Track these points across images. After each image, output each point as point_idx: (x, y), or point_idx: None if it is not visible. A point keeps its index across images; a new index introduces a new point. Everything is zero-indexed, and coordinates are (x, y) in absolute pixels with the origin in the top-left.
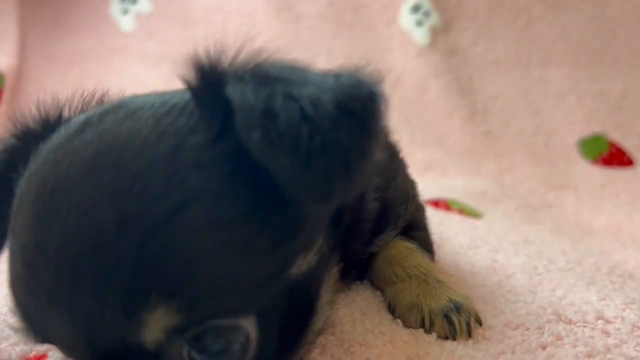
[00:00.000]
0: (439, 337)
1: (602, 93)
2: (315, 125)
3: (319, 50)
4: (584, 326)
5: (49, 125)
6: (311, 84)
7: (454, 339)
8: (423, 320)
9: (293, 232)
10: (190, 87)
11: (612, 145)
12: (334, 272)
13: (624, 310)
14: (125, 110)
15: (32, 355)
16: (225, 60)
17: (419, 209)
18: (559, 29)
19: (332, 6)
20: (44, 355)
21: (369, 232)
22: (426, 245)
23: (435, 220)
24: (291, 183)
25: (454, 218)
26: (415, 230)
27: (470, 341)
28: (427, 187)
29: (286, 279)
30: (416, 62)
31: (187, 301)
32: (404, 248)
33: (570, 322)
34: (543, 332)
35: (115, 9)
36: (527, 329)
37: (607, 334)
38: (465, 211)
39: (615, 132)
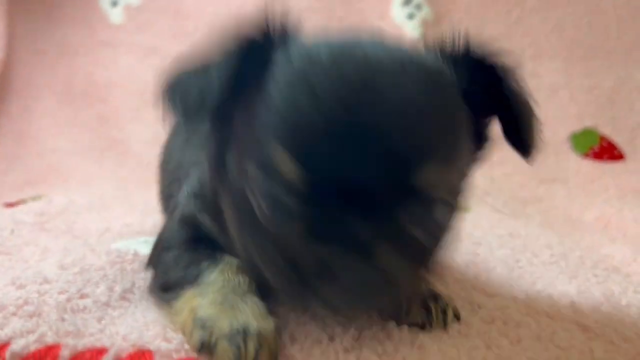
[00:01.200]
0: (415, 325)
1: (594, 87)
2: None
3: None
4: (561, 320)
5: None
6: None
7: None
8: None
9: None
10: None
11: (603, 139)
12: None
13: (602, 304)
14: (367, 46)
15: None
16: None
17: None
18: (552, 23)
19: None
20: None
21: None
22: None
23: None
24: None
25: None
26: None
27: (445, 336)
28: None
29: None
30: None
31: (447, 177)
32: None
33: (547, 315)
34: (520, 326)
35: (104, 1)
36: (504, 322)
37: (585, 328)
38: None
39: (607, 126)
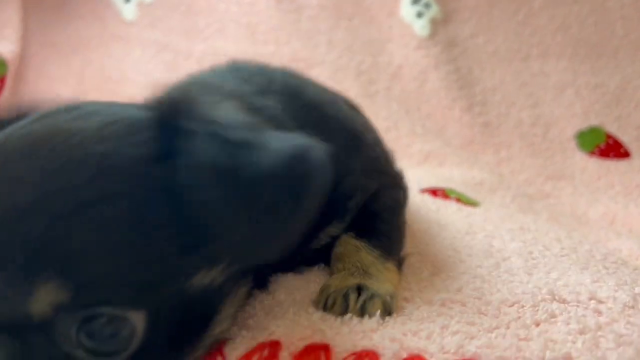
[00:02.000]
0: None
1: (600, 86)
2: (260, 189)
3: (319, 40)
4: (577, 305)
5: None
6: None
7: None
8: (327, 300)
9: (198, 250)
10: (158, 113)
11: (609, 137)
12: (242, 291)
13: (616, 291)
14: (80, 111)
15: None
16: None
17: (392, 202)
18: (559, 22)
19: None
20: None
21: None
22: (389, 241)
23: (433, 207)
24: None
25: (451, 206)
26: (381, 223)
27: (465, 316)
28: (425, 176)
29: (184, 287)
30: (416, 54)
31: (77, 283)
32: (351, 245)
33: (564, 301)
34: (537, 309)
35: None
36: (522, 306)
37: (599, 313)
38: (463, 200)
39: (613, 124)
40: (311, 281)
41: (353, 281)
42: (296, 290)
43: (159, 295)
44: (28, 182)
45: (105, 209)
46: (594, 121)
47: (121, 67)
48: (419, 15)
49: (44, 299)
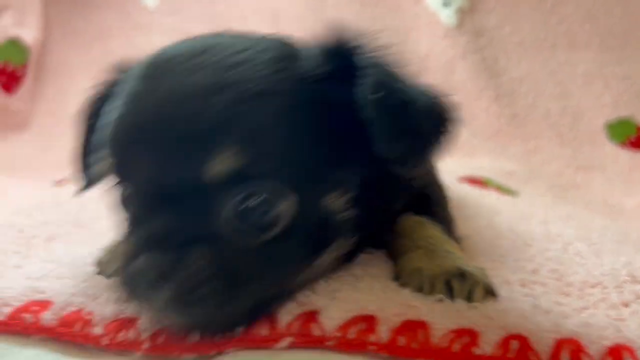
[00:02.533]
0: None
1: (628, 77)
2: (413, 115)
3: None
4: None
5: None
6: (414, 88)
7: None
8: (423, 285)
9: (344, 162)
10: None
11: None
12: (346, 244)
13: None
14: (234, 34)
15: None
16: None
17: (438, 188)
18: (586, 12)
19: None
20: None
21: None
22: (444, 222)
23: (475, 194)
24: (384, 142)
25: (492, 195)
26: (433, 206)
27: (550, 296)
28: (459, 167)
29: (319, 200)
30: (443, 43)
31: (251, 155)
32: (413, 221)
33: None
34: (622, 291)
35: None
36: (605, 287)
37: None
38: (502, 189)
39: None
40: (377, 257)
41: (449, 265)
42: (369, 266)
43: (304, 195)
44: (207, 72)
45: (280, 101)
46: (623, 112)
47: (143, 54)
48: (446, 4)
49: (223, 162)
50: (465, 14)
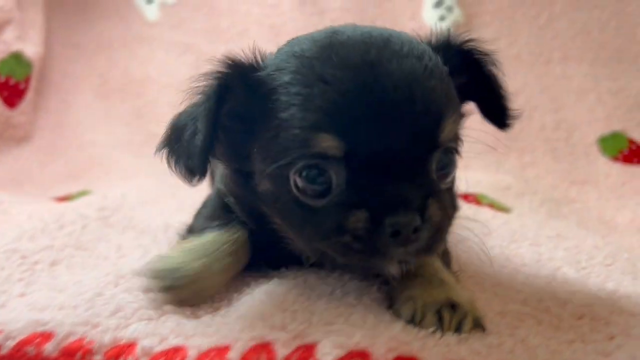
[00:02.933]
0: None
1: (621, 91)
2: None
3: None
4: None
5: (255, 66)
6: None
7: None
8: (415, 313)
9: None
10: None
11: (632, 142)
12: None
13: None
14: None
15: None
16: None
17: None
18: (580, 26)
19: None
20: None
21: None
22: (443, 253)
23: (469, 213)
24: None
25: (485, 212)
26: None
27: (540, 328)
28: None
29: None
30: None
31: (458, 122)
32: None
33: (633, 314)
34: (609, 323)
35: None
36: (592, 318)
37: None
38: (495, 206)
39: (635, 130)
40: (371, 284)
41: (441, 295)
42: (363, 293)
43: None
44: (410, 59)
45: (446, 79)
46: (615, 126)
47: (144, 68)
48: (442, 18)
49: (449, 129)
50: (460, 28)
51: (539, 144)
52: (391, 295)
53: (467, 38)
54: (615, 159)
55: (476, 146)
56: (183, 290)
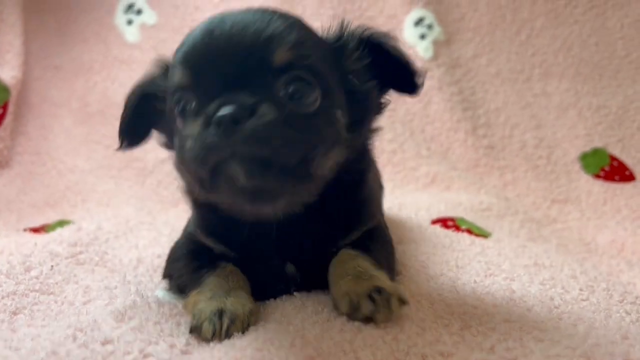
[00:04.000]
0: (365, 316)
1: (602, 107)
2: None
3: None
4: None
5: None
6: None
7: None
8: (351, 303)
9: (345, 93)
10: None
11: (614, 159)
12: (337, 153)
13: None
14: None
15: None
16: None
17: (384, 236)
18: (561, 42)
19: (336, 18)
20: None
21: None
22: (382, 258)
23: (446, 242)
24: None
25: (464, 239)
26: (374, 242)
27: None
28: (435, 203)
29: (333, 102)
30: None
31: (298, 53)
32: (347, 255)
33: None
34: None
35: (119, 19)
36: None
37: None
38: (474, 231)
39: (616, 146)
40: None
41: (369, 284)
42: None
43: (328, 92)
44: (261, 15)
45: (312, 37)
46: (597, 143)
47: (125, 90)
48: (422, 37)
49: (281, 55)
50: (441, 46)
51: (520, 162)
52: (332, 297)
53: (364, 27)
54: (597, 176)
55: (458, 164)
56: (237, 325)
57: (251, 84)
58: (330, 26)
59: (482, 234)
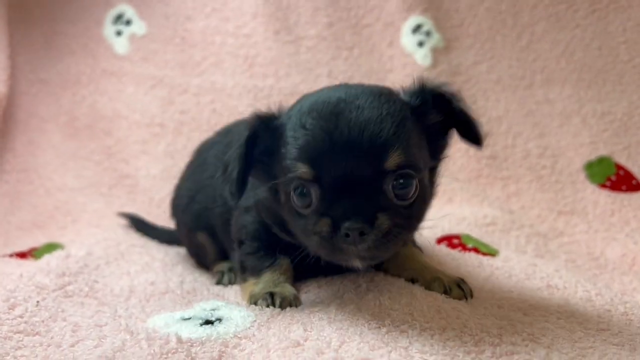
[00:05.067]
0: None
1: (607, 113)
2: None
3: (319, 72)
4: None
5: (274, 116)
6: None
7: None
8: (444, 288)
9: (427, 156)
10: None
11: (620, 168)
12: (430, 204)
13: None
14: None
15: None
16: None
17: None
18: (562, 47)
19: (332, 26)
20: None
21: None
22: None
23: (453, 265)
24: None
25: (471, 259)
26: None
27: None
28: (438, 220)
29: (423, 176)
30: None
31: (405, 154)
32: (413, 251)
33: None
34: None
35: (108, 30)
36: None
37: None
38: (481, 249)
39: (622, 154)
40: None
41: (452, 276)
42: None
43: (421, 173)
44: (369, 109)
45: (410, 123)
46: (602, 151)
47: (114, 103)
48: (420, 44)
49: (393, 160)
50: (440, 53)
51: (523, 172)
52: (412, 277)
53: (438, 83)
54: (603, 186)
55: (461, 175)
56: (285, 303)
57: (367, 186)
58: (412, 84)
59: (490, 252)
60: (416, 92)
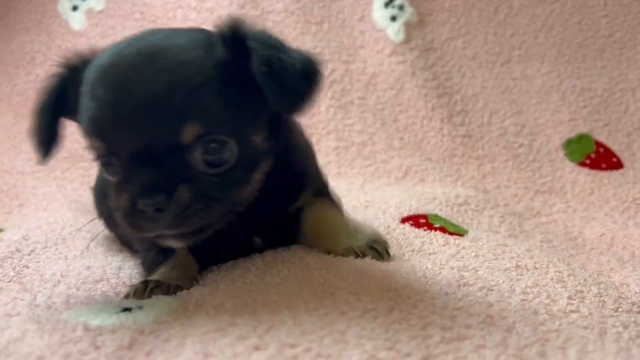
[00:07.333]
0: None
1: (587, 90)
2: (292, 77)
3: None
4: None
5: (86, 59)
6: (290, 53)
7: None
8: (357, 255)
9: (260, 113)
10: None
11: (600, 145)
12: (264, 169)
13: None
14: (164, 32)
15: None
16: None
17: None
18: (541, 22)
19: (300, 0)
20: None
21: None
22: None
23: (417, 244)
24: (274, 98)
25: (437, 239)
26: (326, 195)
27: None
28: (406, 199)
29: (249, 138)
30: (391, 60)
31: (206, 123)
32: (330, 212)
33: None
34: None
35: (63, 5)
36: None
37: None
38: (448, 228)
39: (602, 131)
40: None
41: (363, 237)
42: None
43: (240, 139)
44: (156, 71)
45: (215, 84)
46: (582, 128)
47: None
48: (393, 18)
49: (190, 132)
50: (413, 28)
51: (499, 151)
52: (328, 249)
53: (254, 31)
54: (583, 164)
55: (433, 154)
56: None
57: (169, 158)
58: (225, 30)
59: (458, 231)
60: (228, 40)
